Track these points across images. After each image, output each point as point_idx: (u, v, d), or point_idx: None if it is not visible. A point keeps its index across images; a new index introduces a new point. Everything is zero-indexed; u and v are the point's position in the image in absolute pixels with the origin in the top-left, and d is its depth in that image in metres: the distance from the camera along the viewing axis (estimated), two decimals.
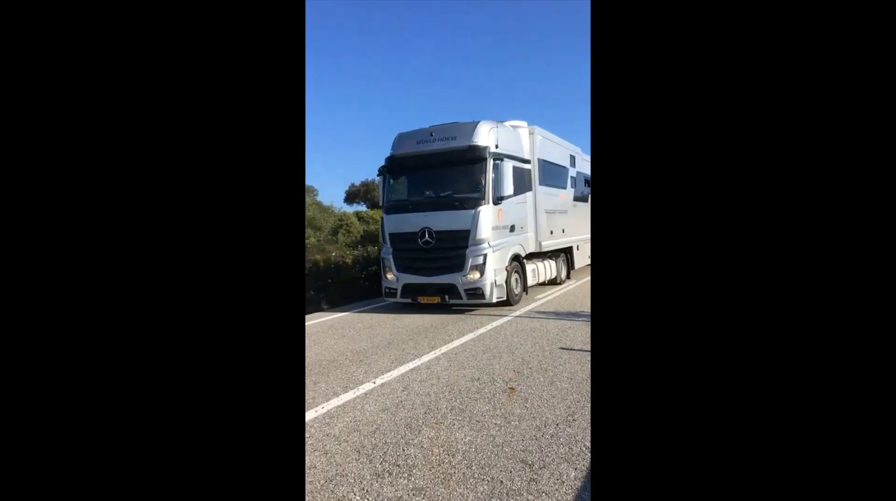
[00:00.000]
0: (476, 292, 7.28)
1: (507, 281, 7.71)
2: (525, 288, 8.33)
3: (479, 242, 7.35)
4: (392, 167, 8.01)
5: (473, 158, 7.38)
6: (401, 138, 7.98)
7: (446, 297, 7.44)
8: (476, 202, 7.34)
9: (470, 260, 7.28)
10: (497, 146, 7.64)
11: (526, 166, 8.57)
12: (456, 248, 7.35)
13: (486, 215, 7.37)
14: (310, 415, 3.58)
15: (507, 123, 8.34)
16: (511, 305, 7.78)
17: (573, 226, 10.66)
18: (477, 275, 7.26)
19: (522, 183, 8.23)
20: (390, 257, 7.83)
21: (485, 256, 7.36)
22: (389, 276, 7.82)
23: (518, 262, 8.18)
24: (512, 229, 7.98)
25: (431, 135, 7.67)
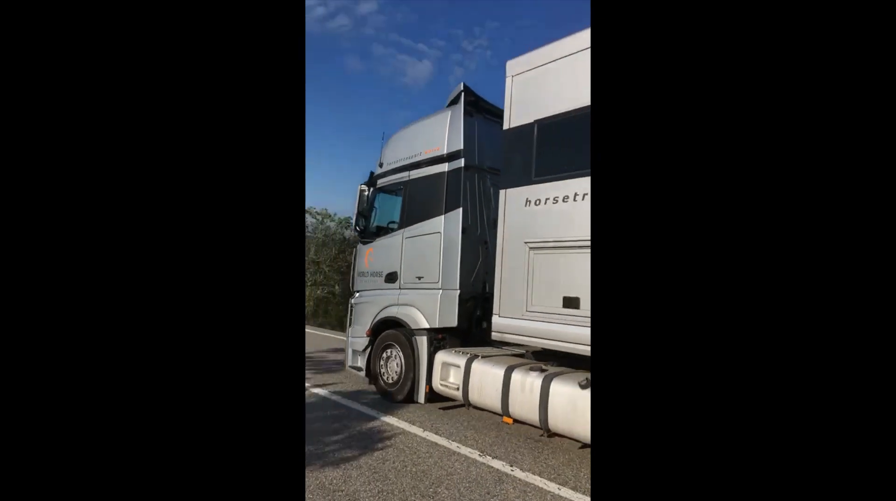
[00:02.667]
0: None
1: (370, 357, 5.30)
2: (426, 388, 4.71)
3: (355, 291, 5.73)
4: None
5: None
6: None
7: None
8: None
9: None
10: (381, 165, 5.58)
11: (434, 170, 4.98)
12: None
13: (360, 258, 5.70)
14: None
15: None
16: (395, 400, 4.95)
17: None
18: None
19: (424, 202, 5.01)
20: None
21: (350, 306, 5.74)
22: None
23: (401, 335, 4.99)
24: (390, 277, 5.26)
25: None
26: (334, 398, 5.25)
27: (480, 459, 3.69)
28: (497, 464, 3.59)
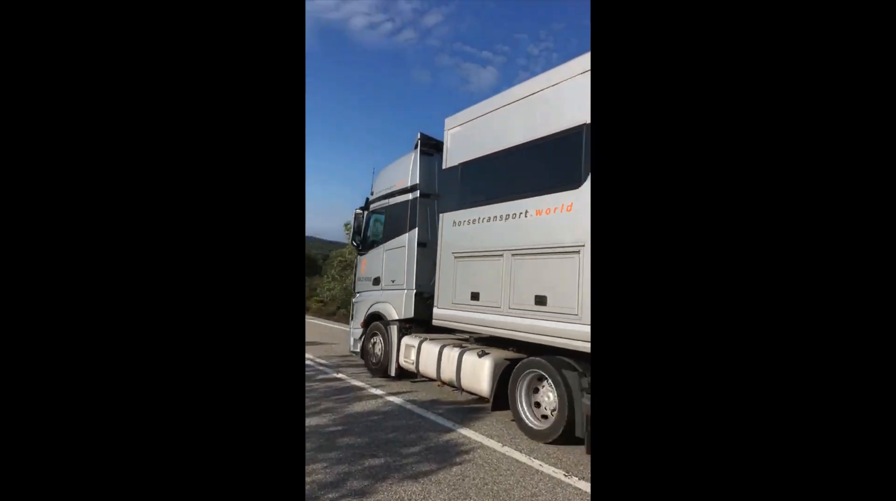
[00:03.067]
0: None
1: (366, 343, 6.91)
2: (395, 366, 6.13)
3: (355, 293, 7.63)
4: None
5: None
6: None
7: None
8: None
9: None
10: (372, 193, 7.30)
11: (403, 198, 6.40)
12: None
13: (358, 266, 7.60)
14: None
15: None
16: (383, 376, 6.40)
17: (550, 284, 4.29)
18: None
19: (395, 225, 6.50)
20: None
21: (352, 305, 7.62)
22: None
23: (381, 325, 6.44)
24: (376, 281, 6.79)
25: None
26: (409, 406, 5.20)
27: (566, 480, 3.44)
28: (584, 486, 3.33)
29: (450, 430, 4.46)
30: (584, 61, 4.09)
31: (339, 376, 6.68)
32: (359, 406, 5.12)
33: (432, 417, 4.86)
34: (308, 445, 3.85)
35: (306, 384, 6.12)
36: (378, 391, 5.81)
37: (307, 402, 5.21)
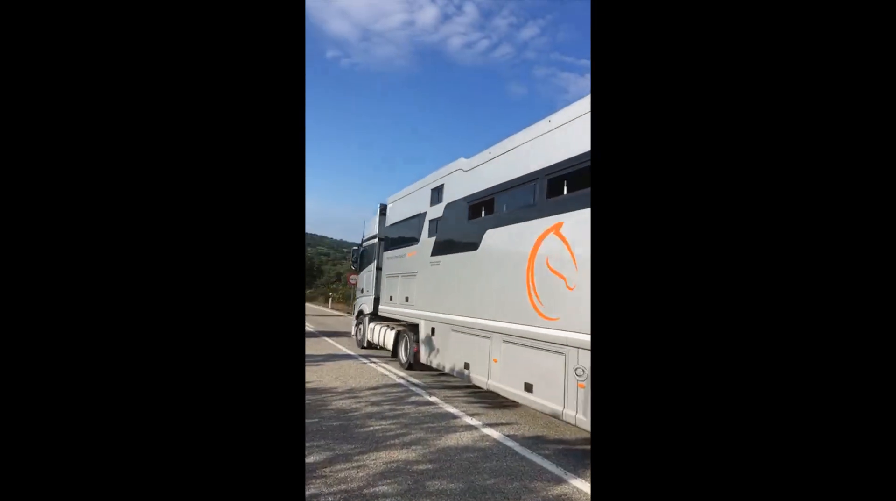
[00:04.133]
0: None
1: (356, 328, 11.82)
2: (366, 341, 10.87)
3: (355, 298, 12.91)
4: None
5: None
6: None
7: None
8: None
9: None
10: (363, 236, 11.94)
11: (371, 243, 10.90)
12: None
13: (357, 281, 12.58)
14: None
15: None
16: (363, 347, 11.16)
17: (426, 294, 7.24)
18: None
19: (369, 257, 11.02)
20: None
21: (353, 306, 12.89)
22: None
23: (363, 316, 11.21)
24: (362, 291, 11.62)
25: None
26: (510, 444, 4.49)
27: None
28: None
29: (560, 480, 3.67)
30: (454, 165, 6.99)
31: (433, 399, 6.17)
32: (452, 439, 4.53)
33: (538, 460, 4.10)
34: (394, 487, 3.33)
35: (397, 407, 5.69)
36: (473, 421, 5.18)
37: (397, 428, 4.75)
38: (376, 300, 10.12)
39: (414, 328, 7.91)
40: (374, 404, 5.76)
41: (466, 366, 5.95)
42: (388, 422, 4.98)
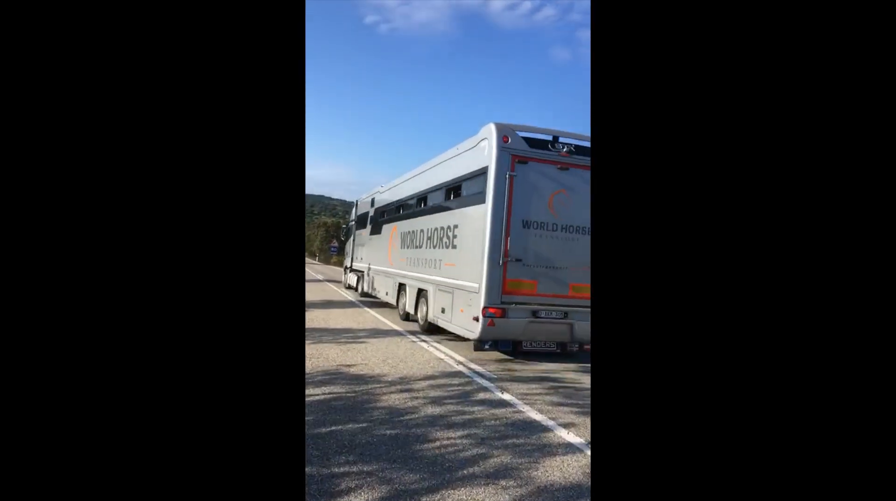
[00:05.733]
0: None
1: (344, 277, 18.15)
2: (346, 283, 17.29)
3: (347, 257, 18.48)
4: None
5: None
6: None
7: None
8: None
9: None
10: (351, 217, 17.95)
11: (351, 224, 17.01)
12: None
13: (347, 247, 18.26)
14: None
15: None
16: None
17: (369, 255, 13.45)
18: None
19: (349, 233, 17.54)
20: None
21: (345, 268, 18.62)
22: None
23: (347, 269, 17.62)
24: (347, 254, 18.12)
25: None
26: None
27: None
28: None
29: None
30: (377, 188, 13.88)
31: (506, 397, 4.91)
32: (553, 468, 3.26)
33: None
34: None
35: (465, 409, 4.46)
36: (572, 436, 3.89)
37: (472, 444, 3.53)
38: (352, 259, 16.35)
39: (362, 273, 14.25)
40: (434, 402, 4.57)
41: (386, 294, 11.16)
42: (459, 434, 3.76)
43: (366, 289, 13.28)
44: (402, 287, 9.68)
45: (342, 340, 7.54)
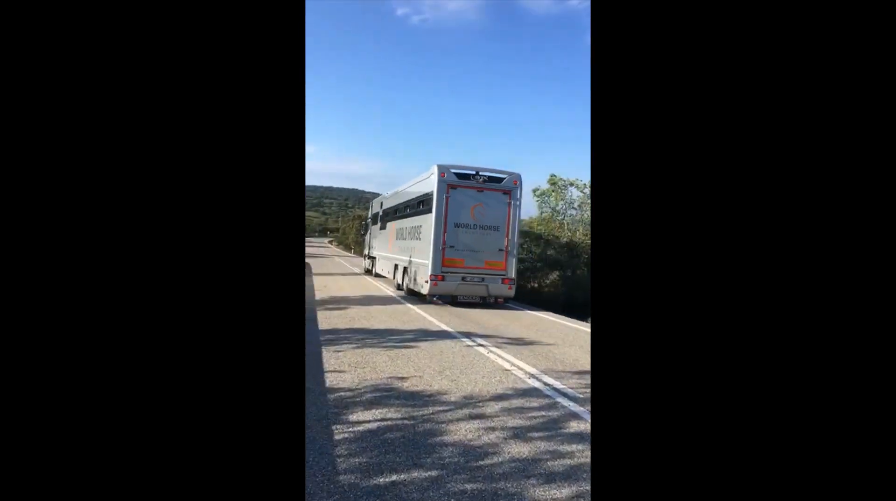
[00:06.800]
0: None
1: (366, 264, 20.41)
2: (366, 268, 19.88)
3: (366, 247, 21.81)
4: None
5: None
6: None
7: None
8: None
9: None
10: (369, 214, 21.36)
11: (367, 220, 21.12)
12: None
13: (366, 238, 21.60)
14: None
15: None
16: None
17: (378, 245, 17.29)
18: None
19: (366, 227, 21.46)
20: None
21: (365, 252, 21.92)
22: None
23: (366, 256, 20.52)
24: (367, 244, 20.83)
25: None
26: None
27: None
28: None
29: None
30: (382, 196, 18.58)
31: None
32: None
33: None
34: None
35: (559, 447, 3.42)
36: None
37: None
38: (369, 248, 19.65)
39: (374, 258, 17.88)
40: (516, 436, 3.55)
41: (387, 272, 15.06)
42: (565, 493, 2.73)
43: (376, 271, 17.45)
44: (395, 267, 13.68)
45: (388, 344, 6.63)
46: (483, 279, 10.55)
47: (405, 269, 12.34)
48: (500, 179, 10.62)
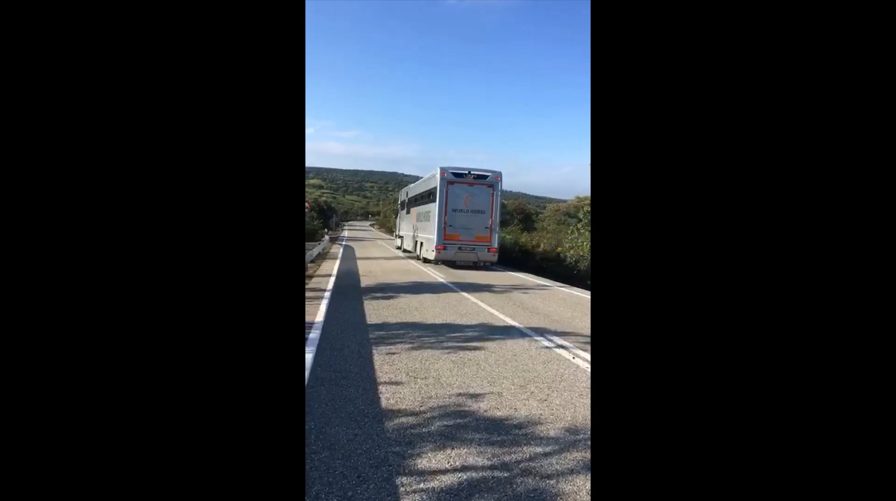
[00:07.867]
0: None
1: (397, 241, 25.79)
2: (397, 246, 24.30)
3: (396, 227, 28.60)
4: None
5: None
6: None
7: None
8: None
9: None
10: (403, 198, 23.98)
11: (399, 205, 25.28)
12: None
13: (397, 219, 27.43)
14: None
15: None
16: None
17: (405, 226, 21.74)
18: None
19: (398, 211, 26.43)
20: None
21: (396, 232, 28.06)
22: None
23: (397, 236, 25.84)
24: (399, 226, 25.30)
25: None
26: None
27: None
28: None
29: None
30: (406, 187, 23.51)
31: None
32: None
33: None
34: None
35: None
36: None
37: None
38: (398, 229, 24.79)
39: (402, 237, 22.39)
40: None
41: (409, 247, 19.91)
42: None
43: (404, 247, 21.49)
44: (415, 243, 18.01)
45: (449, 344, 5.57)
46: (474, 249, 14.78)
47: (421, 243, 17.11)
48: (485, 177, 14.77)
